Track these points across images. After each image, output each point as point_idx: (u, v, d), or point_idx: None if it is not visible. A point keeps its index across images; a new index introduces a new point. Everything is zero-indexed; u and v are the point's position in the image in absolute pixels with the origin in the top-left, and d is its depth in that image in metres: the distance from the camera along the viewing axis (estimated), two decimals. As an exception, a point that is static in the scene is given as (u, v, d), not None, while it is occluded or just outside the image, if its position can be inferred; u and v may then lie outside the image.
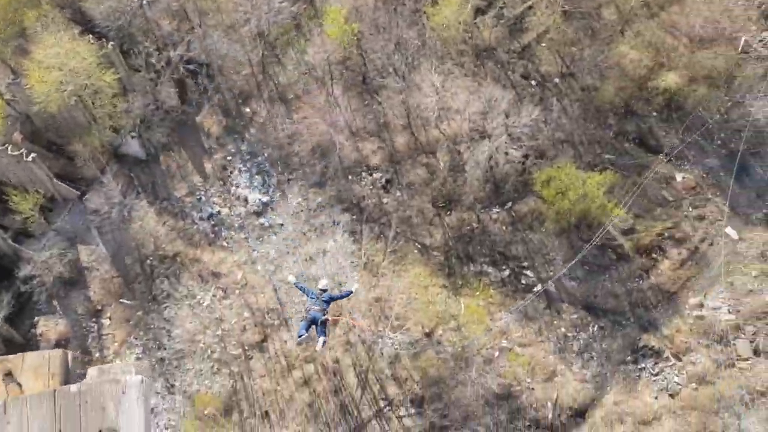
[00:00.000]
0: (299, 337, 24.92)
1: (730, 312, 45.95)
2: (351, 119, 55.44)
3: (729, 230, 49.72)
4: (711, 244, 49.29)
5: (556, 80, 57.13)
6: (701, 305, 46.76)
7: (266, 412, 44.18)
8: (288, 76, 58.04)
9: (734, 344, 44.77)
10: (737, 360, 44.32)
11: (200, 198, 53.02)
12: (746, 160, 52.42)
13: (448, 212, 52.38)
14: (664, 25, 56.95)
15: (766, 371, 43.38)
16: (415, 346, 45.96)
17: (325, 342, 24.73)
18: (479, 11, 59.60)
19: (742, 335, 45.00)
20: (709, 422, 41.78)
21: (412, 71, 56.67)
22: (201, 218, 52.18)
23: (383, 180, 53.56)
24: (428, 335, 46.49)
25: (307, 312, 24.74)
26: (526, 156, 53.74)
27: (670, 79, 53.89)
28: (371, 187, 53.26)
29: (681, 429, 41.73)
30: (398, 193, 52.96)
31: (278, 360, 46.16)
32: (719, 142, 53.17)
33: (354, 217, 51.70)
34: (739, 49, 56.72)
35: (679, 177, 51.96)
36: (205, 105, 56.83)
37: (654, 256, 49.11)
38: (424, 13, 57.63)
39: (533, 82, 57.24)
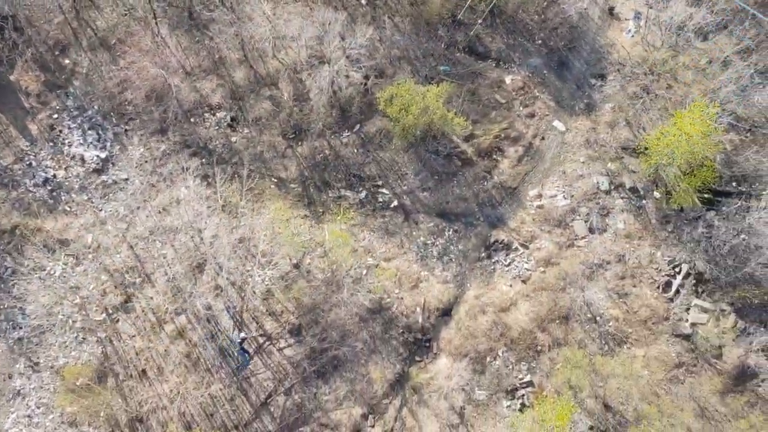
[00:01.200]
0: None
1: (565, 198, 50.58)
2: (183, 59, 52.98)
3: (556, 123, 53.98)
4: (543, 139, 53.37)
5: (385, -3, 57.61)
6: (540, 195, 51.01)
7: (143, 371, 43.41)
8: (106, 20, 53.99)
9: (572, 226, 49.58)
10: (576, 239, 49.26)
11: (30, 163, 49.08)
12: (564, 55, 56.59)
13: (300, 142, 52.37)
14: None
15: (600, 245, 48.67)
16: (286, 279, 46.65)
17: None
18: (299, -67, 58.03)
19: (578, 217, 49.87)
20: (558, 299, 46.54)
21: (241, 1, 54.74)
22: (35, 185, 48.50)
23: (228, 118, 52.26)
24: (297, 266, 47.27)
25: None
26: (366, 77, 54.41)
27: (491, -14, 56.16)
28: (217, 127, 51.85)
29: (535, 309, 46.19)
30: (246, 130, 52.04)
31: (146, 317, 45.11)
32: (539, 41, 56.75)
33: (203, 160, 50.34)
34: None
35: (508, 79, 55.14)
36: (17, 61, 51.74)
37: (494, 157, 52.43)
38: (244, -62, 55.17)
39: (363, 2, 57.31)
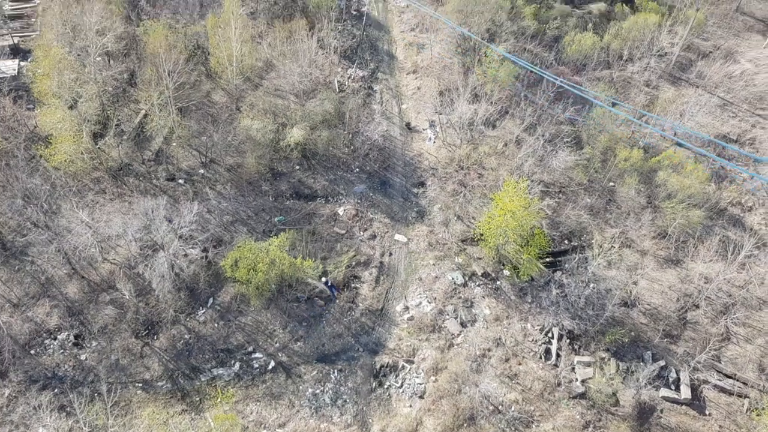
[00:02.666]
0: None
1: (429, 302, 52.20)
2: (7, 292, 49.43)
3: (398, 236, 56.50)
4: (390, 255, 55.39)
5: (201, 171, 58.53)
6: (407, 308, 52.23)
7: None
8: None
9: (445, 327, 50.95)
10: (453, 338, 50.53)
11: None
12: (383, 175, 60.31)
13: (155, 337, 49.89)
14: (270, 91, 62.41)
15: (476, 336, 50.27)
16: (181, 485, 42.76)
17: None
18: (98, 135, 58.19)
19: (447, 316, 51.46)
20: (458, 402, 46.78)
21: (54, 217, 52.82)
22: None
23: (71, 337, 48.76)
24: (188, 467, 43.66)
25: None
26: (205, 250, 53.93)
27: (296, 133, 59.27)
28: (61, 350, 48.11)
29: (440, 420, 45.98)
30: (94, 343, 48.74)
31: None
32: (357, 170, 60.19)
33: (56, 390, 46.07)
34: (336, 89, 64.83)
35: (341, 211, 57.36)
36: None
37: (353, 285, 53.33)
38: (41, 157, 54.18)
39: (181, 181, 57.76)
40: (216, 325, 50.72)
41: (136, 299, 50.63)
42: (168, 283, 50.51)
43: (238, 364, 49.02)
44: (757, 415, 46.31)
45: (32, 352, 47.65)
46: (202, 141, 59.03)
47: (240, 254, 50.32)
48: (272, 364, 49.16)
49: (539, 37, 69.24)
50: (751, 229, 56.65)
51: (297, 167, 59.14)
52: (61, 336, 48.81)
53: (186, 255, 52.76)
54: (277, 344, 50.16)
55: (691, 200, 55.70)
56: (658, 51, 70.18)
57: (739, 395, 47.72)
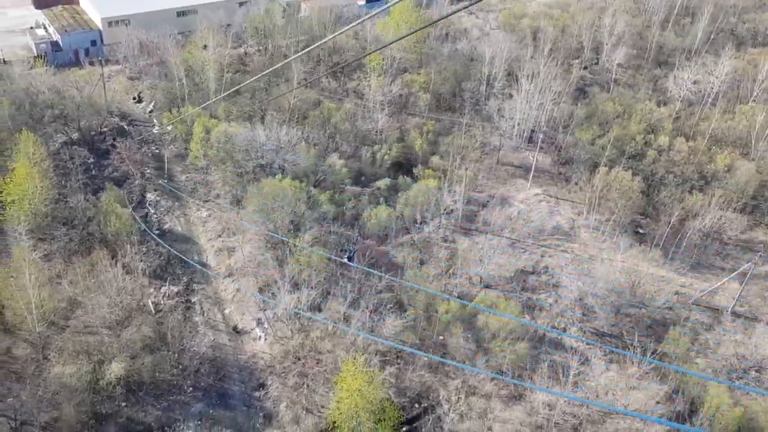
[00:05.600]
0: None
1: None
2: None
3: None
4: None
5: (9, 437, 51.50)
6: None
7: None
8: None
9: None
10: None
11: None
12: (219, 387, 57.41)
13: None
14: (79, 330, 58.39)
15: None
16: None
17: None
18: None
19: None
20: None
21: None
22: None
23: None
24: None
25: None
26: None
27: (116, 368, 55.18)
28: None
29: None
30: None
31: None
32: (190, 389, 55.93)
33: None
34: (152, 310, 62.25)
35: (182, 439, 52.94)
36: None
37: None
38: None
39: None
40: None
41: None
42: None
43: None
44: None
45: None
46: (9, 404, 52.54)
47: None
48: None
49: (339, 218, 73.64)
50: (571, 348, 61.59)
51: (123, 404, 54.38)
52: None
53: None
54: None
55: (512, 335, 59.72)
56: (445, 209, 77.77)
57: None
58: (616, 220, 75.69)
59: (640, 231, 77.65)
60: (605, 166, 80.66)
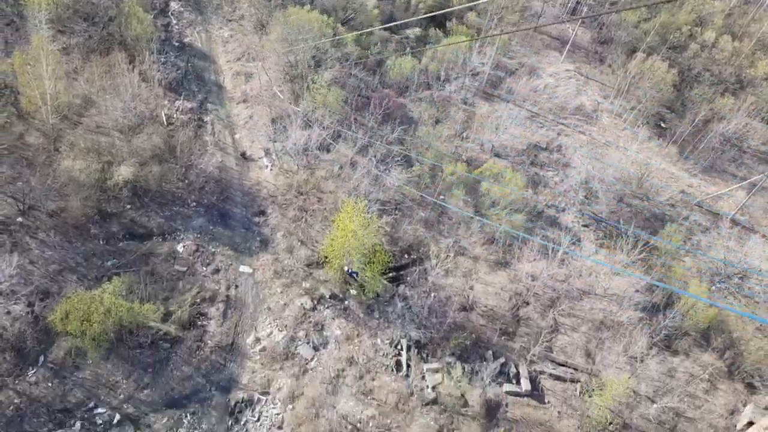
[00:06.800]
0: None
1: (280, 331, 52.01)
2: None
3: (243, 268, 55.74)
4: (237, 287, 54.51)
5: (19, 219, 53.95)
6: (258, 339, 51.61)
7: None
8: None
9: (298, 353, 51.00)
10: (307, 363, 50.70)
11: None
12: (222, 207, 59.28)
13: (-22, 406, 45.08)
14: (91, 129, 59.10)
15: (329, 358, 50.84)
16: None
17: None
18: None
19: (299, 342, 51.56)
20: (317, 426, 46.94)
21: None
22: None
23: None
24: None
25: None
26: (30, 304, 49.67)
27: (125, 171, 56.61)
28: None
29: (301, 447, 45.91)
30: None
31: None
32: (194, 204, 58.62)
33: None
34: (164, 122, 62.90)
35: (180, 248, 55.50)
36: None
37: (200, 323, 51.74)
38: None
39: (-5, 232, 52.87)
40: (50, 384, 46.82)
41: (-50, 368, 45.49)
42: (-18, 345, 46.11)
43: (79, 423, 45.57)
44: (589, 396, 51.19)
45: None
46: (18, 187, 54.44)
47: (70, 306, 46.96)
48: (117, 417, 46.28)
49: (363, 62, 71.97)
50: (566, 228, 62.68)
51: (128, 206, 56.37)
52: None
53: (8, 312, 48.38)
54: (122, 395, 47.34)
55: (512, 206, 60.60)
56: (471, 71, 75.75)
57: (572, 380, 52.48)
58: (641, 109, 73.94)
59: (662, 125, 76.09)
60: (643, 52, 77.43)
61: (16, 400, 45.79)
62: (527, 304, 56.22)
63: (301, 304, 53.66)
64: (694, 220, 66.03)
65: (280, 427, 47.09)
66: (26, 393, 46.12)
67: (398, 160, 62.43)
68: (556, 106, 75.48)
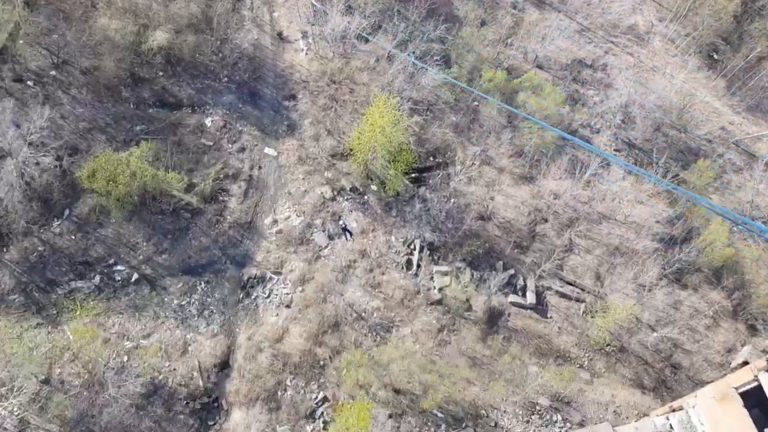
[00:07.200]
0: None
1: (298, 216, 52.84)
2: None
3: (268, 150, 55.94)
4: (260, 168, 54.96)
5: (53, 73, 54.11)
6: (275, 221, 52.60)
7: None
8: None
9: (313, 239, 52.04)
10: (321, 250, 51.84)
11: None
12: (253, 86, 58.70)
13: (5, 248, 47.16)
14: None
15: (343, 248, 51.90)
16: (38, 400, 41.89)
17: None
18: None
19: (315, 229, 52.48)
20: (323, 310, 48.62)
21: None
22: None
23: None
24: (46, 381, 42.67)
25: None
26: (59, 158, 50.76)
27: (160, 37, 55.88)
28: None
29: (306, 328, 47.72)
30: (-67, 257, 45.33)
31: None
32: (225, 79, 58.06)
33: None
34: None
35: (208, 122, 55.60)
36: None
37: (221, 198, 52.68)
38: None
39: (30, 83, 53.17)
40: (73, 237, 48.64)
41: (-21, 212, 47.25)
42: (18, 192, 47.49)
43: (98, 277, 47.65)
44: (591, 316, 52.08)
45: None
46: (54, 40, 54.16)
47: (97, 164, 47.92)
48: (135, 276, 48.26)
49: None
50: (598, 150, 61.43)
51: (161, 73, 56.08)
52: None
53: (38, 163, 49.55)
54: (141, 257, 49.14)
55: (546, 121, 59.24)
56: (527, -26, 71.91)
57: (577, 300, 53.24)
58: (695, 37, 70.33)
59: (715, 56, 72.58)
60: (711, -25, 72.66)
61: (40, 248, 47.76)
62: (546, 221, 56.16)
63: (322, 192, 54.12)
64: (728, 159, 64.31)
65: (288, 306, 48.84)
66: (50, 242, 48.02)
67: (437, 60, 60.71)
68: (608, 22, 71.97)
